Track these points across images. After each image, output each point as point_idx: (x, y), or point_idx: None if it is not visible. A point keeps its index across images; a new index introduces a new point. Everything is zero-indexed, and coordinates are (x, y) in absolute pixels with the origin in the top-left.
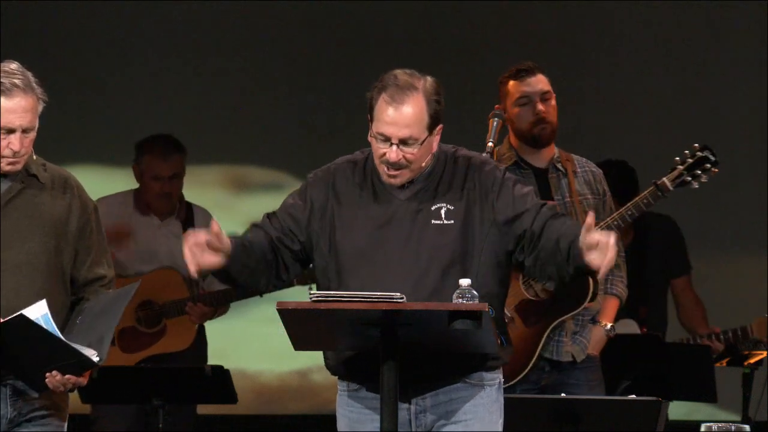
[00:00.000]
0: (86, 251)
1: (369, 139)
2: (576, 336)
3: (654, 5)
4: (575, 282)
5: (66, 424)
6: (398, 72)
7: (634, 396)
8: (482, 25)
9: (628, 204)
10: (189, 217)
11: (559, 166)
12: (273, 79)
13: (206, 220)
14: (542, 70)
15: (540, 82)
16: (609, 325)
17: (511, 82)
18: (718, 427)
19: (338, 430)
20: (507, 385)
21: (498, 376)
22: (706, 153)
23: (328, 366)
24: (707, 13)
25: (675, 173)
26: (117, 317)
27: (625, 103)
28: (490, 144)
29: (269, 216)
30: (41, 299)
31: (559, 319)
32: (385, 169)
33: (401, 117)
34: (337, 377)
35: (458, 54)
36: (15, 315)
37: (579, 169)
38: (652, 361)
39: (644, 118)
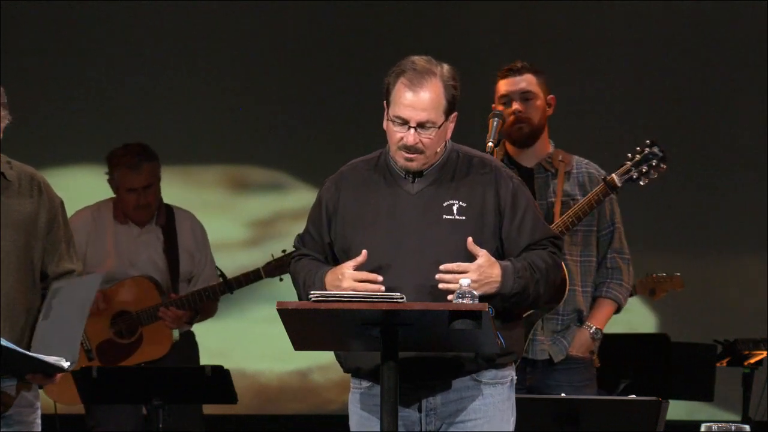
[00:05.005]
0: (54, 246)
1: (385, 124)
2: (556, 336)
3: (654, 5)
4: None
5: (39, 421)
6: (415, 58)
7: (634, 396)
8: (482, 25)
9: (581, 201)
10: (170, 222)
11: (548, 166)
12: (273, 80)
13: (190, 224)
14: (533, 71)
15: (523, 82)
16: (594, 328)
17: (500, 81)
18: (718, 427)
19: (350, 428)
20: None
21: (510, 373)
22: (653, 149)
23: (340, 363)
24: (707, 13)
25: (623, 169)
26: (85, 314)
27: (624, 104)
28: (490, 144)
29: (304, 240)
30: (13, 296)
31: (533, 319)
32: (403, 153)
33: (419, 101)
34: (350, 375)
35: (458, 54)
36: None
37: (575, 170)
38: (655, 360)
39: (643, 118)
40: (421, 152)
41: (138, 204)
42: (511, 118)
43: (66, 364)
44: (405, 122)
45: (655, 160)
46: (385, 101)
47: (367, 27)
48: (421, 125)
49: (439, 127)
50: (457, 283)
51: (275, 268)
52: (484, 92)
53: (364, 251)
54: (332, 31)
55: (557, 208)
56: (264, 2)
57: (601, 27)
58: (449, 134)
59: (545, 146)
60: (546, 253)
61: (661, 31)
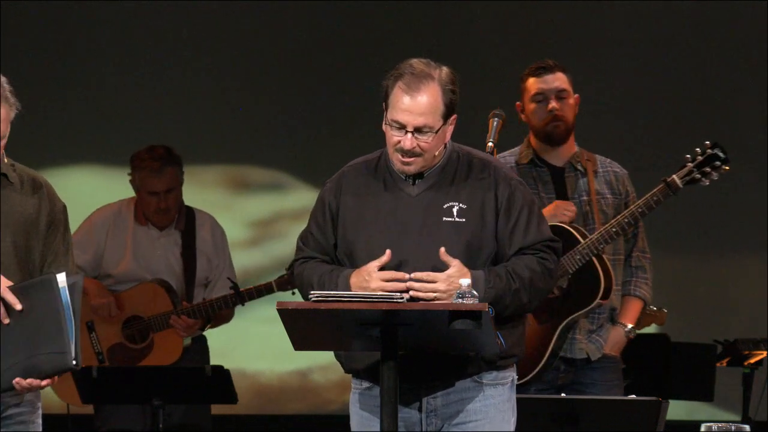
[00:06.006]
0: (50, 250)
1: (383, 127)
2: (592, 335)
3: (654, 5)
4: (586, 279)
5: (40, 421)
6: (414, 61)
7: (634, 396)
8: (482, 25)
9: (638, 202)
10: (189, 225)
11: (577, 165)
12: (273, 80)
13: (210, 227)
14: (563, 69)
15: (557, 80)
16: (629, 326)
17: (530, 79)
18: (718, 427)
19: (351, 428)
20: (519, 383)
21: (511, 374)
22: (716, 150)
23: (341, 364)
24: (707, 13)
25: (685, 170)
26: (77, 315)
27: (625, 104)
28: (490, 144)
29: (307, 241)
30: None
31: (570, 317)
32: (399, 156)
33: (417, 105)
34: (351, 375)
35: (458, 54)
36: (45, 276)
37: (600, 169)
38: (655, 360)
39: (643, 118)
40: (418, 155)
41: (158, 207)
42: (549, 116)
43: (74, 363)
44: (402, 126)
45: (718, 162)
46: (383, 104)
47: (367, 27)
48: (418, 130)
49: (437, 131)
50: (427, 292)
51: (287, 281)
52: (484, 92)
53: (388, 251)
54: (332, 31)
55: (595, 207)
56: (264, 2)
57: (601, 27)
58: (448, 137)
59: (572, 145)
60: (535, 260)
61: (661, 31)
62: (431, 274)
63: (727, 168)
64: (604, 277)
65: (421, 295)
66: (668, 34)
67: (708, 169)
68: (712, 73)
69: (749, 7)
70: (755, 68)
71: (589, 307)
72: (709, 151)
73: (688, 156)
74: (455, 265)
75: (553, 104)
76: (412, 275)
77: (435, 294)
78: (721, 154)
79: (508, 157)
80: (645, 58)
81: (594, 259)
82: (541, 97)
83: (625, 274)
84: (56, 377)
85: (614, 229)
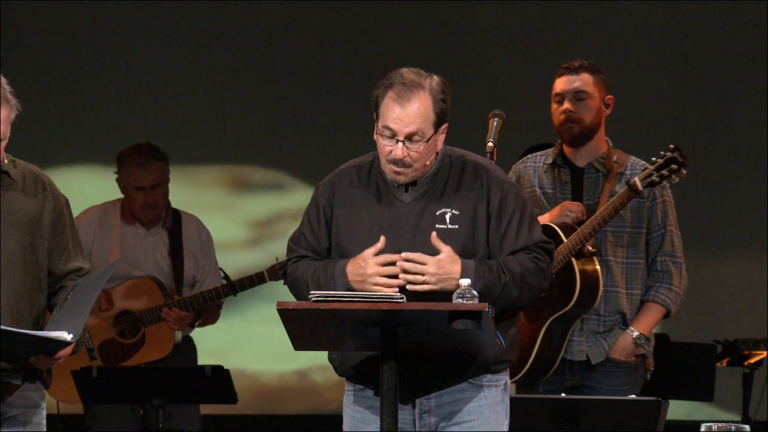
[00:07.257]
0: (61, 245)
1: (375, 136)
2: (597, 337)
3: (654, 5)
4: (565, 281)
5: (45, 421)
6: (404, 70)
7: (634, 396)
8: (484, 25)
9: (607, 204)
10: (176, 225)
11: (599, 166)
12: (273, 79)
13: (196, 228)
14: (591, 70)
15: (577, 81)
16: (637, 333)
17: (557, 79)
18: (718, 427)
19: (344, 429)
20: (514, 380)
21: (504, 377)
22: (675, 154)
23: (334, 367)
24: (707, 13)
25: (645, 173)
26: (94, 295)
27: (624, 104)
28: (490, 144)
29: (299, 242)
30: (18, 295)
31: (551, 318)
32: (392, 167)
33: (407, 114)
34: (344, 377)
35: (459, 54)
36: None
37: (628, 171)
38: (655, 360)
39: (643, 118)
40: (409, 166)
41: (145, 202)
42: (562, 117)
43: (68, 337)
44: (393, 135)
45: (675, 165)
46: (374, 113)
47: (367, 27)
48: (409, 138)
49: (428, 140)
50: (416, 273)
51: (278, 271)
52: (484, 92)
53: (383, 237)
54: (332, 32)
55: (599, 209)
56: (264, 2)
57: (601, 27)
58: (439, 146)
59: (599, 146)
60: (527, 258)
61: (661, 31)
62: (422, 256)
63: (684, 173)
64: (580, 279)
65: (410, 277)
66: (668, 34)
67: (665, 173)
68: (711, 73)
69: (749, 7)
70: (755, 68)
71: (566, 309)
72: (669, 154)
73: (654, 159)
74: (446, 250)
75: (566, 105)
76: (403, 255)
77: (424, 277)
78: (678, 158)
79: (542, 157)
80: (645, 58)
81: (573, 260)
82: (560, 97)
83: (650, 278)
84: (67, 351)
85: (588, 231)
